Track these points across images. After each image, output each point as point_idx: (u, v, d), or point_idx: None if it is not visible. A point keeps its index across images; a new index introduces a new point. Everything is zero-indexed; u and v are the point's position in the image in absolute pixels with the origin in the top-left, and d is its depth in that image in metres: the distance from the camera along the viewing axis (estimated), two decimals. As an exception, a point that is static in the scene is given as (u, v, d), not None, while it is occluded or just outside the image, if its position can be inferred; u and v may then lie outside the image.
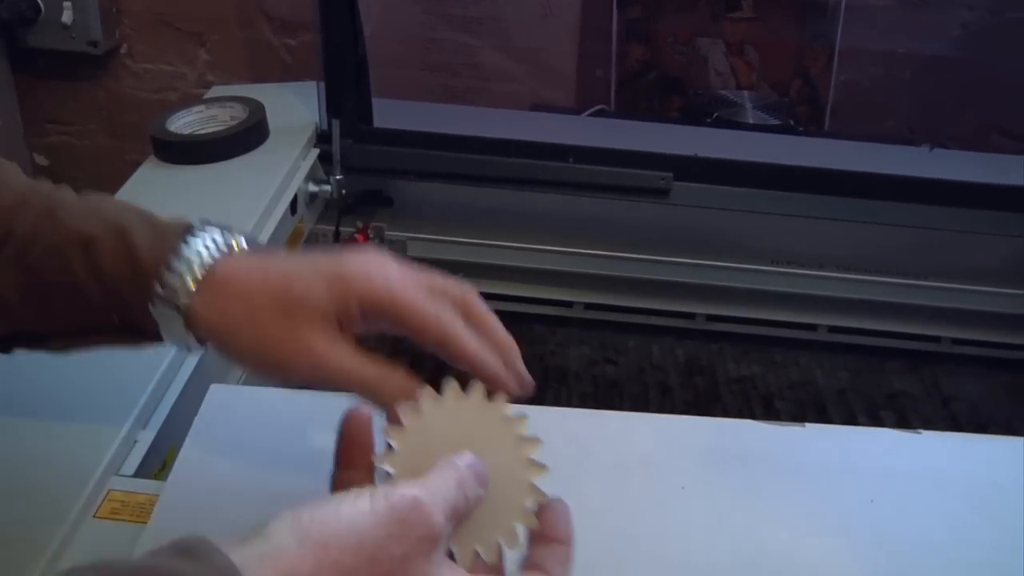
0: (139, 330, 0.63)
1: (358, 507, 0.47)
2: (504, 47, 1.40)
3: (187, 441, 0.74)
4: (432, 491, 0.50)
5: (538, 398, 1.04)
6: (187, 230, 0.62)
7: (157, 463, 0.79)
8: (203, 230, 0.62)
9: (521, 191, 1.13)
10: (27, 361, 0.81)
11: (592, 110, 1.34)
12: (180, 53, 1.52)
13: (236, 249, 0.62)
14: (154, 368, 0.83)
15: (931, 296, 1.15)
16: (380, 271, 0.59)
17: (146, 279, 0.60)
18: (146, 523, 0.68)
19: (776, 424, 0.81)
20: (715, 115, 1.27)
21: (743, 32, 1.36)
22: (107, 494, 0.73)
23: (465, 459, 0.55)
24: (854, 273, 1.15)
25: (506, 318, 0.60)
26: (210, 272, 0.60)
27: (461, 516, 0.52)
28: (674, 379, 1.11)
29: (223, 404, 0.78)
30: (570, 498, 0.69)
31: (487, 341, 0.61)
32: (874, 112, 1.40)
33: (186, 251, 0.61)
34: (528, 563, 0.55)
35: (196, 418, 0.76)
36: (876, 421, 1.04)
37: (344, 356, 0.58)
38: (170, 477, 0.71)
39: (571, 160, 1.12)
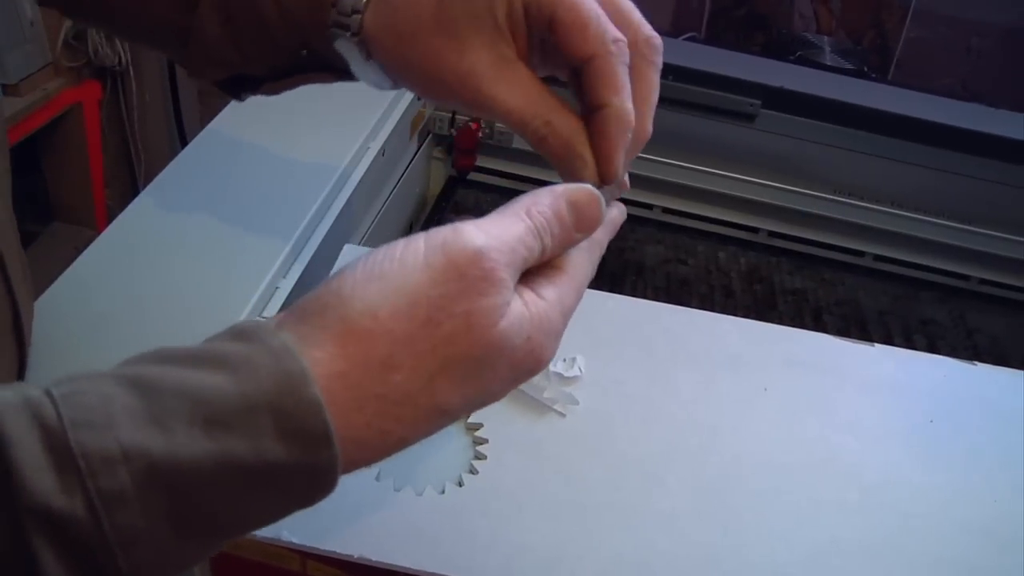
0: (330, 65, 0.54)
1: (408, 263, 0.37)
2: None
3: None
4: (497, 240, 0.38)
5: (617, 287, 1.00)
6: None
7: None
8: None
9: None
10: (196, 205, 0.77)
11: (685, 36, 1.26)
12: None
13: None
14: (295, 225, 0.79)
15: (967, 239, 1.12)
16: None
17: (322, 4, 0.51)
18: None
19: (848, 341, 0.77)
20: (797, 54, 1.19)
21: (829, -20, 1.28)
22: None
23: (544, 200, 0.41)
24: (904, 210, 1.12)
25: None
26: None
27: (532, 264, 0.41)
28: (737, 284, 1.06)
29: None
30: (661, 388, 0.67)
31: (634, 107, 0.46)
32: (935, 70, 1.32)
33: None
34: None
35: (331, 273, 0.72)
36: (909, 343, 1.01)
37: (509, 90, 0.46)
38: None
39: (671, 78, 1.05)
